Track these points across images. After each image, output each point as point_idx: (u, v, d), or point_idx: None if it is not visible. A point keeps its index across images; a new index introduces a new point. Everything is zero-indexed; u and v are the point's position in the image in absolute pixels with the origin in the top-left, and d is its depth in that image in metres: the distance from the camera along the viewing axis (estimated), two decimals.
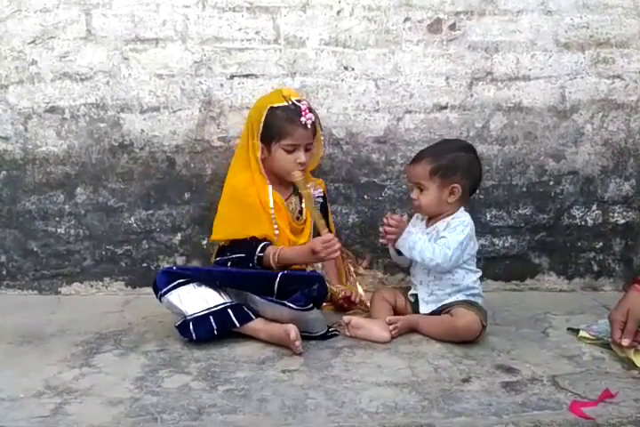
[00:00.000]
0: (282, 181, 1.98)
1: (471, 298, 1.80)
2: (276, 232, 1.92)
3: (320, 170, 2.17)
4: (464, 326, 1.69)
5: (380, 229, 1.81)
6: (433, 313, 1.81)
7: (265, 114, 1.89)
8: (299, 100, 1.92)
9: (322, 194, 2.09)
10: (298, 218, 2.00)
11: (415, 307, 1.85)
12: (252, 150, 1.93)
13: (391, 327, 1.74)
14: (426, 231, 1.84)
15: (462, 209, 1.85)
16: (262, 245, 1.87)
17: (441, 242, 1.76)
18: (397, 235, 1.78)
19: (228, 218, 1.93)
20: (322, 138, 2.04)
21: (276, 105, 1.90)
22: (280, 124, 1.89)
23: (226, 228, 1.93)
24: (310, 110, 1.92)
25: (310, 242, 1.86)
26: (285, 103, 1.90)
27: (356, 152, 2.20)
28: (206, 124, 2.17)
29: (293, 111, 1.89)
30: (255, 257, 1.85)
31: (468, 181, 1.83)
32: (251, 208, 1.90)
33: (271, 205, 1.92)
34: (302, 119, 1.88)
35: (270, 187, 1.94)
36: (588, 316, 1.94)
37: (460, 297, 1.79)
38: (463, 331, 1.70)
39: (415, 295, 1.86)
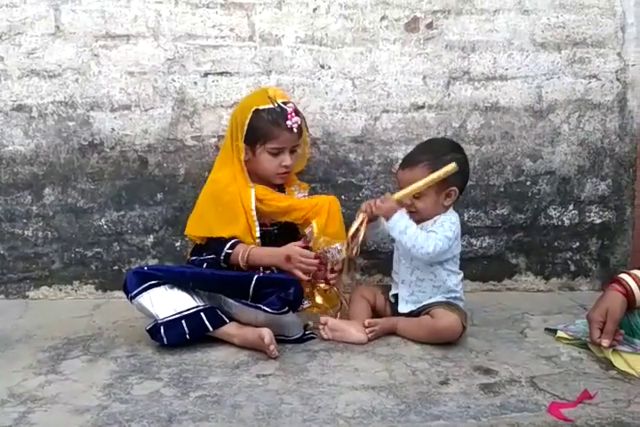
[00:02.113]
0: (266, 182, 1.93)
1: (451, 300, 1.78)
2: (258, 234, 1.87)
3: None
4: (445, 327, 1.67)
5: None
6: (411, 314, 1.78)
7: (249, 116, 1.84)
8: (285, 103, 1.88)
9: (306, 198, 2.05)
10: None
11: (395, 307, 1.83)
12: (236, 152, 1.88)
13: (368, 331, 1.71)
14: None
15: (452, 209, 1.82)
16: (232, 242, 1.82)
17: (430, 234, 1.72)
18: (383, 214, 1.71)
19: (203, 215, 1.88)
20: (308, 139, 2.01)
21: (261, 107, 1.85)
22: (265, 128, 1.84)
23: (200, 225, 1.88)
24: (297, 113, 1.88)
25: (288, 248, 1.80)
26: (271, 105, 1.85)
27: (333, 152, 2.17)
28: (179, 123, 2.12)
29: (279, 114, 1.85)
30: (223, 253, 1.81)
31: (462, 181, 1.81)
32: (227, 206, 1.85)
33: (253, 206, 1.87)
34: (288, 123, 1.84)
35: (253, 190, 1.88)
36: (566, 316, 1.94)
37: (440, 299, 1.77)
38: (444, 332, 1.67)
39: (396, 296, 1.83)
